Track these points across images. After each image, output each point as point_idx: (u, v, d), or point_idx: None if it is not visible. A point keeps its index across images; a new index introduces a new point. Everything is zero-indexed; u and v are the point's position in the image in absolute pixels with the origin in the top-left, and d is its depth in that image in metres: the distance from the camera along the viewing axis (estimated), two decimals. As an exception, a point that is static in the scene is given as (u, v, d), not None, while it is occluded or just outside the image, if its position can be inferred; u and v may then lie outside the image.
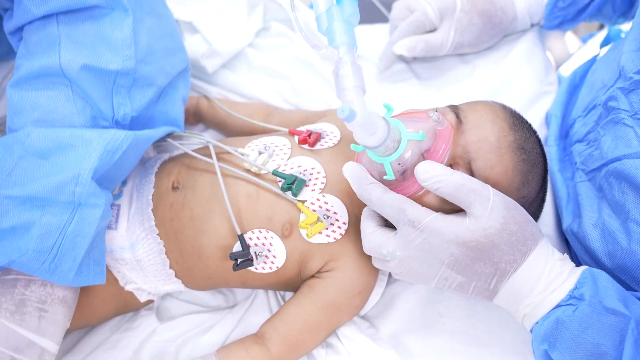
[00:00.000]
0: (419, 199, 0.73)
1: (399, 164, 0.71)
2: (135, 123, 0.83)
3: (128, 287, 0.87)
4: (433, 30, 1.06)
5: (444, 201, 0.71)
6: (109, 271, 0.86)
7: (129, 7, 0.79)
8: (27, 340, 0.73)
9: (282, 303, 0.92)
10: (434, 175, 0.68)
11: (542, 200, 0.85)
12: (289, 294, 0.92)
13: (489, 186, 0.70)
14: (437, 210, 0.71)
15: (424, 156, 0.72)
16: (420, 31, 1.05)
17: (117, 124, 0.81)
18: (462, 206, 0.69)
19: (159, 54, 0.85)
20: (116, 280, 0.86)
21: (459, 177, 0.69)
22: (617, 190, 0.78)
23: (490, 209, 0.68)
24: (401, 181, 0.73)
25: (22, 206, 0.71)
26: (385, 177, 0.71)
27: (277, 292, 0.94)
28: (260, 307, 0.91)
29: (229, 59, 1.15)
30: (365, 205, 0.77)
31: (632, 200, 0.75)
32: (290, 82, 1.11)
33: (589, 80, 0.99)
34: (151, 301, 0.91)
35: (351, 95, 0.65)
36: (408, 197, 0.72)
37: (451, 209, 0.71)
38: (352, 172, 0.74)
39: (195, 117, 1.10)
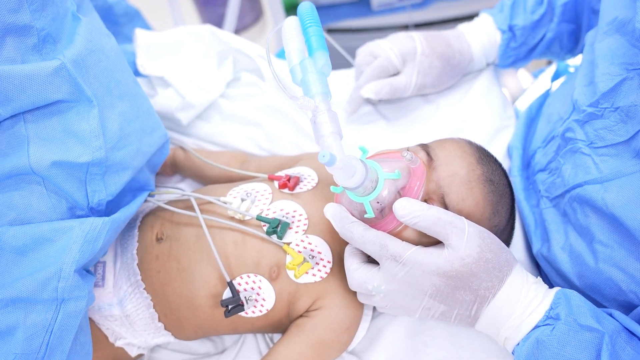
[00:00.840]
0: (399, 234, 0.77)
1: (378, 203, 0.76)
2: (111, 203, 0.83)
3: (118, 343, 0.87)
4: (396, 74, 1.12)
5: (423, 235, 0.76)
6: (98, 329, 0.86)
7: (93, 98, 0.77)
8: None
9: (270, 345, 0.93)
10: (412, 211, 0.73)
11: (512, 228, 0.90)
12: (277, 336, 0.94)
13: (463, 218, 0.75)
14: (416, 243, 0.75)
15: (400, 193, 0.76)
16: (385, 75, 1.11)
17: (93, 211, 0.80)
18: (440, 238, 0.74)
19: (133, 137, 0.84)
20: (106, 337, 0.87)
21: (435, 212, 0.73)
22: (580, 215, 0.84)
23: (467, 240, 0.73)
24: (380, 218, 0.77)
25: (4, 309, 0.69)
26: (365, 216, 0.76)
27: (265, 335, 0.95)
28: (250, 351, 0.93)
29: (202, 110, 1.18)
30: (348, 243, 0.81)
31: (595, 223, 0.81)
32: (263, 129, 1.15)
33: (545, 112, 1.06)
34: (142, 355, 0.92)
35: (330, 141, 0.69)
36: (388, 233, 0.76)
37: (429, 241, 0.76)
38: (333, 212, 0.78)
39: (172, 169, 1.13)
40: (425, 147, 0.85)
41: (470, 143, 0.89)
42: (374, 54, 1.12)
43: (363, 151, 0.81)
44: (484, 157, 0.87)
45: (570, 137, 0.87)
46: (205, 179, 1.11)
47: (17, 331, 0.69)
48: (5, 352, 0.68)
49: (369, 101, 1.19)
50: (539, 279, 0.77)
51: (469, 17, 1.89)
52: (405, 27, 2.03)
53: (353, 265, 0.79)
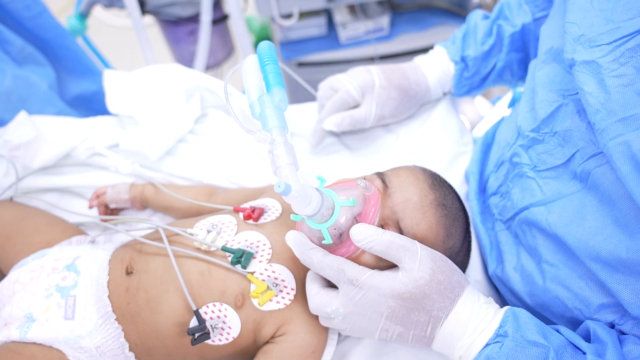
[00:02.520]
0: (356, 259, 0.81)
1: (335, 229, 0.79)
2: None
3: (89, 375, 0.89)
4: (357, 106, 1.17)
5: (379, 259, 0.80)
6: (68, 361, 0.88)
7: None
8: None
9: (240, 373, 0.95)
10: (367, 237, 0.77)
11: (468, 250, 0.94)
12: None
13: (416, 242, 0.79)
14: (373, 267, 0.79)
15: (356, 219, 0.80)
16: (345, 108, 1.16)
17: None
18: (395, 262, 0.78)
19: None
20: (76, 369, 0.88)
21: (389, 236, 0.77)
22: (529, 236, 0.88)
23: (419, 262, 0.77)
24: (339, 244, 0.81)
25: None
26: (323, 242, 0.79)
27: (235, 363, 0.97)
28: (220, 379, 0.95)
29: (171, 146, 1.22)
30: (309, 269, 0.84)
31: (542, 244, 0.85)
32: (230, 162, 1.19)
33: (497, 139, 1.11)
34: (112, 386, 0.93)
35: (286, 172, 0.73)
36: (346, 257, 0.80)
37: (386, 265, 0.80)
38: (293, 239, 0.81)
39: (142, 204, 1.15)
40: (381, 175, 0.90)
41: (424, 170, 0.94)
42: (334, 87, 1.18)
43: (321, 180, 0.85)
44: (437, 182, 0.91)
45: (517, 161, 0.92)
46: (175, 213, 1.14)
47: None
48: None
49: (332, 133, 1.24)
50: (490, 298, 0.81)
51: (431, 49, 1.96)
52: (371, 59, 2.10)
53: (313, 290, 0.82)
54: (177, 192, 1.11)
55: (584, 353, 0.73)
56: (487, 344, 0.75)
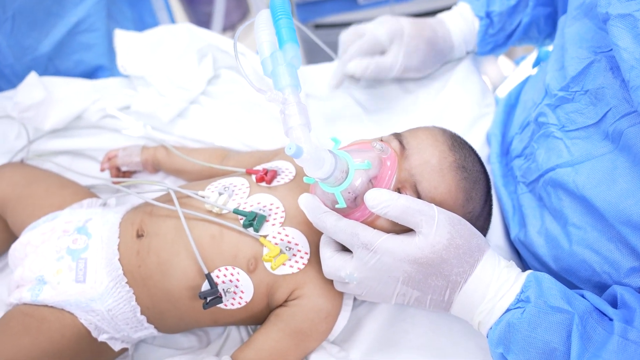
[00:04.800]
0: (371, 224, 0.78)
1: (349, 192, 0.76)
2: None
3: (101, 338, 0.88)
4: (382, 53, 1.12)
5: (394, 223, 0.76)
6: (80, 324, 0.87)
7: None
8: None
9: (254, 337, 0.94)
10: (382, 202, 0.74)
11: (489, 214, 0.91)
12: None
13: (433, 205, 0.76)
14: (389, 232, 0.76)
15: (372, 183, 0.77)
16: (370, 53, 1.11)
17: None
18: (411, 226, 0.75)
19: None
20: (88, 332, 0.87)
21: (405, 201, 0.74)
22: (554, 198, 0.84)
23: (436, 227, 0.73)
24: (353, 208, 0.77)
25: None
26: (337, 206, 0.76)
27: (249, 327, 0.96)
28: (234, 343, 0.94)
29: (183, 108, 1.19)
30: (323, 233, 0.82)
31: (568, 206, 0.81)
32: (244, 125, 1.16)
33: (522, 99, 1.06)
34: (125, 349, 0.92)
35: (298, 133, 0.69)
36: (361, 222, 0.77)
37: (402, 230, 0.76)
38: (306, 203, 0.79)
39: (154, 167, 1.13)
40: (398, 137, 0.86)
41: (443, 131, 0.89)
42: (359, 33, 1.12)
43: (335, 142, 0.81)
44: (457, 144, 0.87)
45: (543, 121, 0.87)
46: (187, 176, 1.12)
47: None
48: None
49: (349, 92, 1.19)
50: (511, 262, 0.78)
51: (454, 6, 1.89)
52: (391, 20, 2.03)
53: (327, 254, 0.79)
54: (189, 154, 1.09)
55: (611, 319, 0.70)
56: (508, 309, 0.72)
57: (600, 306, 0.72)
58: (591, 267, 0.79)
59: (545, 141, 0.87)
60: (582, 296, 0.74)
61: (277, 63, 0.74)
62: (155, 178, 1.15)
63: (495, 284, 0.74)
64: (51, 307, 0.87)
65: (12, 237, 1.02)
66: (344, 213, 0.78)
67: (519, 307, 0.71)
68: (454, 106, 1.14)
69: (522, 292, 0.72)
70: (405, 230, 0.76)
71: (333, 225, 0.76)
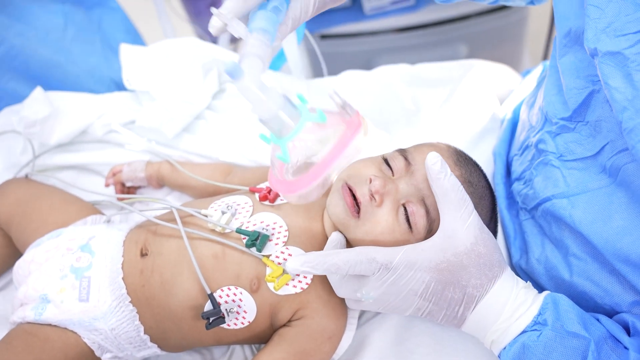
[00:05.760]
0: (371, 242, 0.78)
1: (294, 148, 0.68)
2: None
3: (104, 357, 0.88)
4: None
5: (392, 233, 0.78)
6: (84, 343, 0.87)
7: None
8: None
9: (258, 356, 0.93)
10: (444, 168, 0.74)
11: (494, 232, 0.90)
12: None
13: (472, 203, 0.76)
14: (390, 244, 0.76)
15: (324, 145, 0.70)
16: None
17: None
18: (446, 210, 0.74)
19: None
20: (92, 351, 0.87)
21: (458, 181, 0.75)
22: (555, 228, 0.83)
23: (468, 224, 0.73)
24: (304, 171, 0.71)
25: None
26: (278, 156, 0.68)
27: (253, 346, 0.96)
28: (238, 362, 0.94)
29: (188, 123, 1.19)
30: None
31: (568, 236, 0.80)
32: (249, 139, 1.16)
33: (521, 118, 1.05)
34: (128, 368, 0.92)
35: (249, 61, 0.63)
36: (314, 182, 0.70)
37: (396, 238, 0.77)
38: (302, 263, 0.73)
39: (159, 182, 1.13)
40: (403, 153, 0.85)
41: (448, 146, 0.89)
42: None
43: (301, 100, 0.70)
44: (462, 159, 0.87)
45: (543, 148, 0.86)
46: (191, 192, 1.11)
47: None
48: None
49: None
50: (529, 283, 0.77)
51: (459, 19, 1.89)
52: (398, 31, 2.03)
53: (338, 282, 0.78)
54: (194, 169, 1.08)
55: (626, 348, 0.69)
56: (524, 331, 0.71)
57: (616, 333, 0.71)
58: (592, 299, 0.78)
59: (543, 169, 0.86)
60: (598, 320, 0.73)
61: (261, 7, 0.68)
62: (159, 193, 1.15)
63: (512, 303, 0.73)
64: (54, 326, 0.87)
65: (17, 253, 1.02)
66: (296, 182, 0.70)
67: (535, 330, 0.70)
68: (459, 120, 1.13)
69: (539, 314, 0.71)
70: (399, 242, 0.77)
71: (346, 262, 0.73)
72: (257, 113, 0.66)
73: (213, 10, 0.66)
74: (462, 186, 0.76)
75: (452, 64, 1.27)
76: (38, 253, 0.94)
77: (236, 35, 0.65)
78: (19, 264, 0.96)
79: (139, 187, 1.16)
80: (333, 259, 0.73)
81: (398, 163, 0.83)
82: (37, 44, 1.33)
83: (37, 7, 1.33)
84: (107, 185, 1.12)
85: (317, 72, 1.94)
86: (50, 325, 0.87)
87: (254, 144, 1.15)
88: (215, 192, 1.04)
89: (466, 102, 1.15)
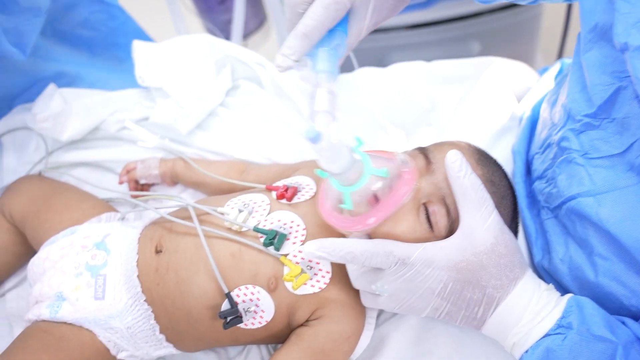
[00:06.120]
0: (375, 232, 0.76)
1: (359, 196, 0.73)
2: None
3: (120, 356, 0.87)
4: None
5: (413, 233, 0.76)
6: (99, 341, 0.86)
7: None
8: None
9: (274, 356, 0.92)
10: (464, 166, 0.73)
11: (515, 232, 0.88)
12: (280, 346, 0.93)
13: (492, 201, 0.75)
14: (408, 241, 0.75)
15: (377, 196, 0.74)
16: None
17: None
18: (466, 209, 0.73)
19: None
20: (107, 350, 0.86)
21: (478, 179, 0.74)
22: (579, 227, 0.81)
23: (489, 224, 0.72)
24: (355, 215, 0.74)
25: None
26: (341, 206, 0.74)
27: (269, 346, 0.95)
28: (254, 362, 0.93)
29: (202, 120, 1.18)
30: None
31: (593, 235, 0.78)
32: (263, 137, 1.15)
33: (542, 115, 1.03)
34: (144, 367, 0.91)
35: (322, 119, 0.67)
36: (361, 231, 0.75)
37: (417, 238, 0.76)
38: (321, 247, 0.73)
39: (173, 179, 1.12)
40: (423, 151, 0.84)
41: (469, 145, 0.88)
42: None
43: (358, 142, 0.77)
44: (484, 158, 0.85)
45: (566, 146, 0.84)
46: (206, 189, 1.10)
47: None
48: None
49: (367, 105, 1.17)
50: (551, 285, 0.76)
51: (472, 16, 1.87)
52: (410, 27, 2.01)
53: (356, 273, 0.77)
54: (208, 167, 1.07)
55: None
56: (547, 334, 0.69)
57: None
58: (619, 300, 0.76)
59: (567, 167, 0.84)
60: (624, 323, 0.72)
61: (319, 45, 0.71)
62: (173, 191, 1.14)
63: (535, 305, 0.71)
64: (70, 324, 0.86)
65: (31, 251, 1.02)
66: (348, 221, 0.75)
67: (559, 333, 0.69)
68: (477, 118, 1.12)
69: (563, 317, 0.70)
70: (422, 239, 0.75)
71: (363, 253, 0.72)
72: (329, 169, 0.69)
73: (281, 52, 0.69)
74: (482, 185, 0.74)
75: (468, 61, 1.25)
76: (53, 250, 0.94)
77: (301, 77, 0.68)
78: (34, 261, 0.95)
79: (152, 185, 1.15)
80: (350, 247, 0.72)
81: (418, 162, 0.82)
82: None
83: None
84: (120, 182, 1.11)
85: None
86: (65, 323, 0.87)
87: (267, 142, 1.14)
88: (229, 190, 1.02)
89: (484, 100, 1.14)
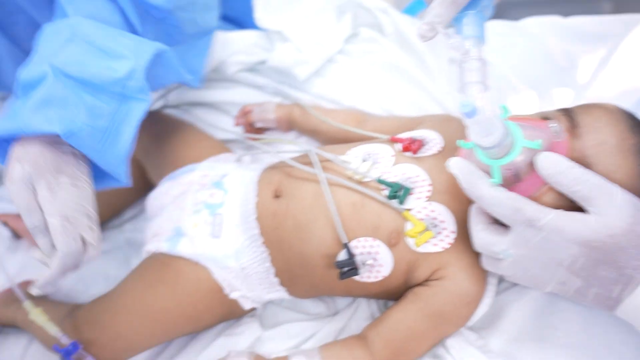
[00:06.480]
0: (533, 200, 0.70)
1: (508, 169, 0.69)
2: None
3: (233, 295, 0.87)
4: None
5: (559, 202, 0.69)
6: (214, 279, 0.87)
7: None
8: None
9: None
10: (560, 170, 0.67)
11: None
12: (392, 304, 0.91)
13: (615, 184, 0.67)
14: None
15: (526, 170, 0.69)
16: None
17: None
18: (583, 203, 0.67)
19: (198, 6, 0.93)
20: (221, 288, 0.87)
21: (583, 171, 0.67)
22: None
23: (618, 207, 0.65)
24: (506, 187, 0.70)
25: (74, 85, 0.74)
26: (490, 181, 0.69)
27: (379, 301, 0.92)
28: (363, 315, 0.91)
29: (319, 66, 1.15)
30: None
31: None
32: (382, 87, 1.10)
33: None
34: (254, 309, 0.92)
35: (475, 90, 0.64)
36: None
37: (569, 208, 0.68)
38: (460, 167, 0.71)
39: (289, 125, 1.10)
40: (568, 112, 0.76)
41: (619, 109, 0.79)
42: None
43: (505, 111, 0.74)
44: (638, 126, 0.76)
45: None
46: (321, 137, 1.08)
47: (83, 107, 0.74)
48: (72, 118, 0.72)
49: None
50: None
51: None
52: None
53: (479, 225, 0.73)
54: (326, 115, 1.04)
55: None
56: None
57: None
58: None
59: None
60: None
61: (466, 8, 0.67)
62: (288, 137, 1.12)
63: None
64: (187, 259, 0.88)
65: (149, 185, 1.04)
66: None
67: None
68: (621, 82, 1.01)
69: None
70: (573, 208, 0.68)
71: (491, 195, 0.68)
72: (482, 143, 0.65)
73: (421, 19, 0.68)
74: (589, 173, 0.67)
75: (612, 17, 1.14)
76: (173, 186, 0.95)
77: (450, 45, 0.66)
78: (153, 194, 0.97)
79: (267, 129, 1.14)
80: (483, 184, 0.69)
81: (561, 124, 0.75)
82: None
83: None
84: (237, 124, 1.11)
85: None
86: (183, 258, 0.88)
87: (387, 93, 1.09)
88: (346, 140, 0.98)
89: (630, 62, 1.03)
